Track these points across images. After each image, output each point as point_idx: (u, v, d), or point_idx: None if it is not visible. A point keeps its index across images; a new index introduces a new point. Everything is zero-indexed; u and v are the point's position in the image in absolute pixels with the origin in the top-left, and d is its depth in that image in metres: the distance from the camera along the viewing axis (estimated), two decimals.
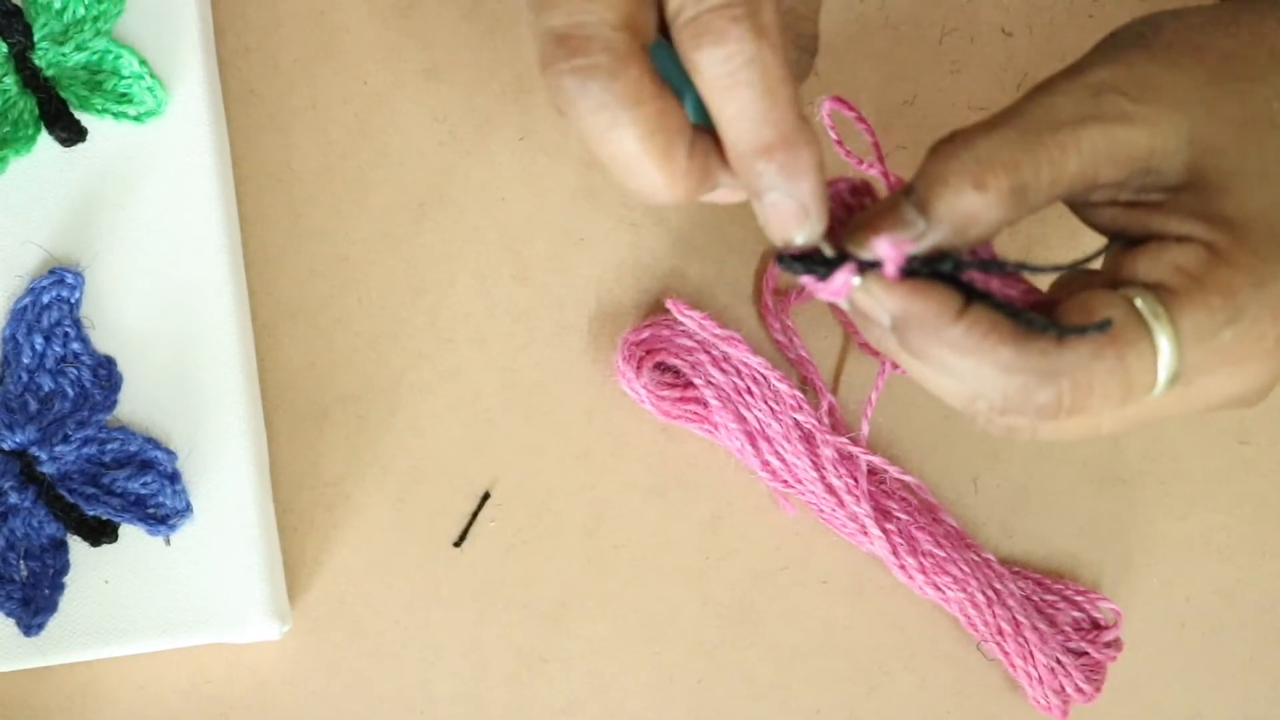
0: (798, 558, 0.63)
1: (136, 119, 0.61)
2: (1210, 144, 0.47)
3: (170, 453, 0.60)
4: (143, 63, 0.61)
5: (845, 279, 0.47)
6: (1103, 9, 0.64)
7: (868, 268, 0.47)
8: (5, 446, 0.59)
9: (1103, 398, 0.46)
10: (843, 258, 0.47)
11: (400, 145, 0.64)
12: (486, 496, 0.63)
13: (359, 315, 0.63)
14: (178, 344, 0.61)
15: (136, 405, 0.61)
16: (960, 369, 0.46)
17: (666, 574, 0.63)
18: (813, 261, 0.48)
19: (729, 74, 0.45)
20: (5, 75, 0.61)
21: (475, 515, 0.63)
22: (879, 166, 0.52)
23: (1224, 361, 0.46)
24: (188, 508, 0.60)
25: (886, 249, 0.46)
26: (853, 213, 0.50)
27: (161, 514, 0.59)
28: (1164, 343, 0.45)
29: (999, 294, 0.48)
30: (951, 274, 0.46)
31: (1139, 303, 0.45)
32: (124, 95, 0.61)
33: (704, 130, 0.47)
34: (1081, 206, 0.49)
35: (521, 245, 0.64)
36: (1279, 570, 0.63)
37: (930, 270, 0.46)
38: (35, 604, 0.59)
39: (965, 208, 0.46)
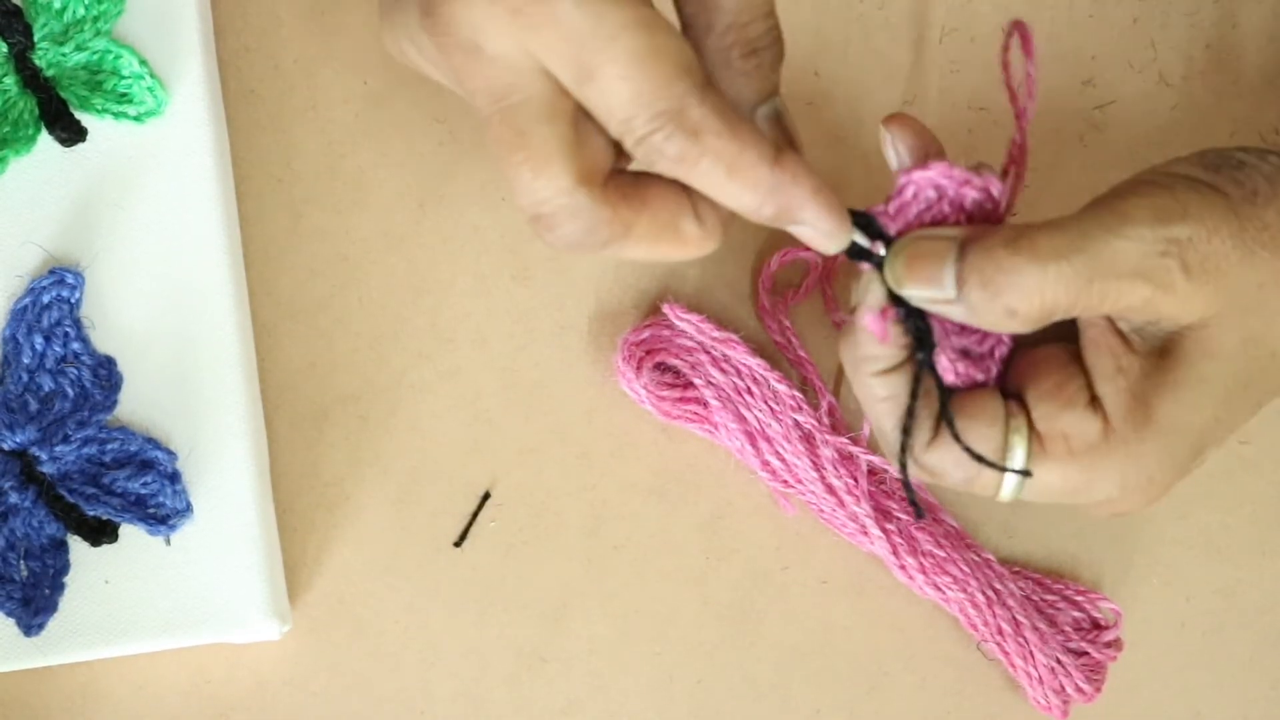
0: (797, 558, 0.63)
1: (136, 119, 0.61)
2: (1212, 346, 0.49)
3: (170, 453, 0.60)
4: (143, 63, 0.61)
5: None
6: (1103, 8, 0.65)
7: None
8: (5, 446, 0.59)
9: (952, 482, 0.52)
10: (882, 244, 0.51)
11: (400, 146, 0.64)
12: (487, 496, 0.63)
13: (359, 315, 0.63)
14: (178, 344, 0.61)
15: (137, 405, 0.61)
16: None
17: (666, 574, 0.63)
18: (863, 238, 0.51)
19: (689, 172, 0.47)
20: (5, 75, 0.61)
21: (475, 515, 0.63)
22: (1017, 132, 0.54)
23: (1066, 500, 0.52)
24: (188, 508, 0.60)
25: (869, 320, 0.50)
26: (965, 210, 0.51)
27: (162, 514, 0.59)
28: (1009, 485, 0.51)
29: (955, 339, 0.51)
30: (918, 337, 0.51)
31: (1013, 440, 0.51)
32: (124, 95, 0.62)
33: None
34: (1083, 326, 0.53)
35: (521, 245, 0.64)
36: (1279, 570, 0.63)
37: (911, 330, 0.51)
38: (35, 604, 0.59)
39: (990, 316, 0.49)
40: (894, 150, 0.51)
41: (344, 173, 0.64)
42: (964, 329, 0.51)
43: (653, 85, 0.46)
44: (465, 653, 0.62)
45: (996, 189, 0.51)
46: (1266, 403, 0.52)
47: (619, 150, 0.49)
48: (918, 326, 0.51)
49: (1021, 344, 0.53)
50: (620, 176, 0.49)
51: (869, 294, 0.51)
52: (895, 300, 0.50)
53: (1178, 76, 0.64)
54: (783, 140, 0.50)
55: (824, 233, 0.49)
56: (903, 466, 0.52)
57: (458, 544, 0.63)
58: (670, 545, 0.63)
